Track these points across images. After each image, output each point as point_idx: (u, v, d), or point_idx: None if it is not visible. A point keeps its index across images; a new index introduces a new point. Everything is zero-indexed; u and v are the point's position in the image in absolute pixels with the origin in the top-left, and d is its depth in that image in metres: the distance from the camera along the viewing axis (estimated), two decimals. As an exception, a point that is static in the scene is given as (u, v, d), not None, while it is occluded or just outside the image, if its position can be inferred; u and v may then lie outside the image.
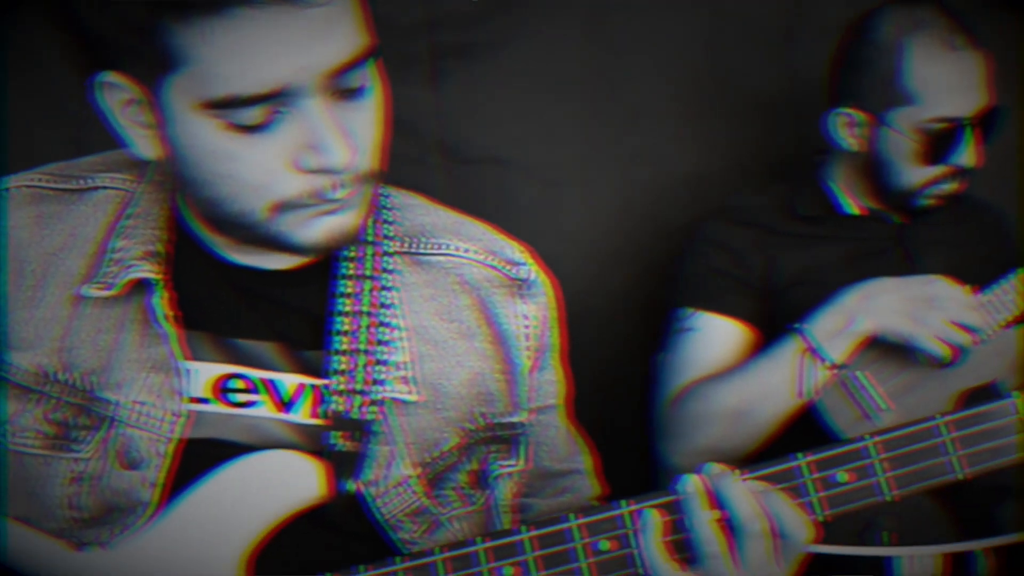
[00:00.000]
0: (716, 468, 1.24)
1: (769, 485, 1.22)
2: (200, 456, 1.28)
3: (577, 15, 2.45)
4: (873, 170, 2.15)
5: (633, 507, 1.23)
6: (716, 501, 1.22)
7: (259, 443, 1.29)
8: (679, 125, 2.49)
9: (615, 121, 2.47)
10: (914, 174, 2.10)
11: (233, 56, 1.12)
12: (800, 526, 1.20)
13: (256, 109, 1.15)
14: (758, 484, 1.22)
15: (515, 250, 1.46)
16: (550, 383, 1.47)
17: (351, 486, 1.29)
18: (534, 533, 1.23)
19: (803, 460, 1.20)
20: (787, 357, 1.95)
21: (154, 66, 1.15)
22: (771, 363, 1.97)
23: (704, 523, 1.21)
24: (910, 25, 2.06)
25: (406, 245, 1.40)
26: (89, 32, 1.18)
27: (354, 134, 1.21)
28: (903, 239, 2.18)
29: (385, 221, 1.40)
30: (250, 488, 1.28)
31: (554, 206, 2.46)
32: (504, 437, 1.42)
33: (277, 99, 1.15)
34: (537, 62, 2.44)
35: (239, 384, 1.30)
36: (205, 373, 1.30)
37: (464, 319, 1.39)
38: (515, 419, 1.42)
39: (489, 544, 1.23)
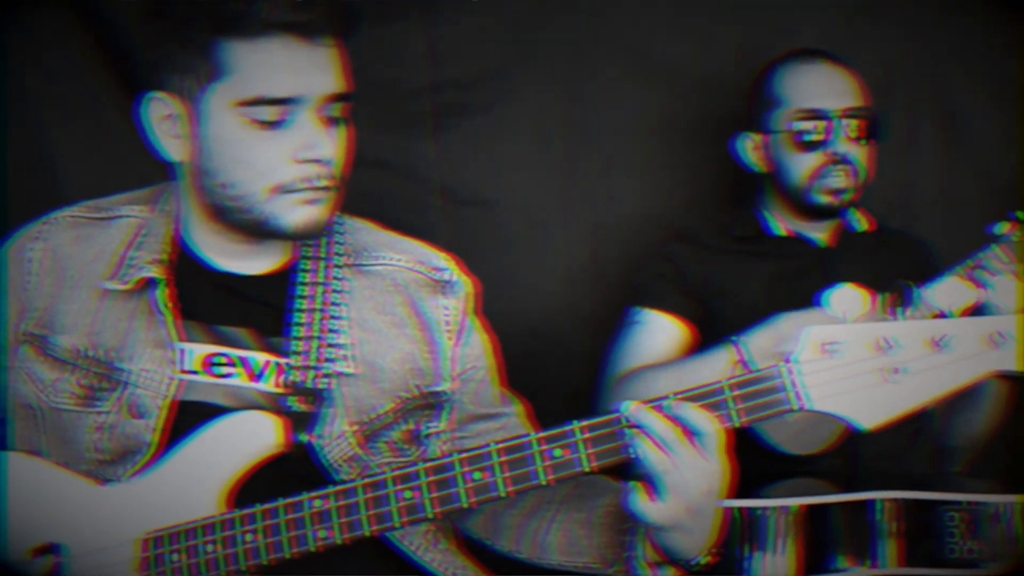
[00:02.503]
0: (632, 403, 1.56)
1: (680, 400, 1.54)
2: (192, 415, 1.71)
3: (559, 79, 2.87)
4: (777, 182, 2.52)
5: (583, 423, 1.57)
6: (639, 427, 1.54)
7: (236, 405, 1.72)
8: (646, 172, 2.90)
9: (591, 168, 2.89)
10: (798, 166, 2.45)
11: (265, 68, 1.64)
12: (705, 421, 1.52)
13: (274, 108, 1.64)
14: (669, 403, 1.54)
15: (441, 259, 1.89)
16: (468, 355, 1.87)
17: (304, 438, 1.71)
18: (501, 445, 1.59)
19: (725, 383, 1.54)
20: (720, 362, 2.27)
21: (203, 77, 1.65)
22: (705, 364, 2.29)
23: (640, 445, 1.53)
24: (786, 57, 2.50)
25: (352, 259, 1.83)
26: (141, 55, 1.67)
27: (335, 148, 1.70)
28: (825, 262, 2.50)
29: (337, 242, 1.84)
30: (229, 438, 1.70)
31: (537, 241, 2.87)
32: (433, 403, 1.83)
33: (289, 103, 1.65)
34: (524, 119, 2.87)
35: (222, 360, 1.74)
36: (197, 352, 1.75)
37: (396, 312, 1.82)
38: (441, 388, 1.83)
39: (463, 455, 1.60)
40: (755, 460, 2.32)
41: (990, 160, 2.92)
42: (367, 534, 1.59)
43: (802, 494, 2.09)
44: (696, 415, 1.52)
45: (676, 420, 1.52)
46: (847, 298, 1.50)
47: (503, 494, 1.57)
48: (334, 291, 1.78)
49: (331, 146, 1.67)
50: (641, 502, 1.53)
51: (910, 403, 1.48)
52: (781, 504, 1.91)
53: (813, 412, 1.50)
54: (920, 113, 2.91)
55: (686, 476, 1.51)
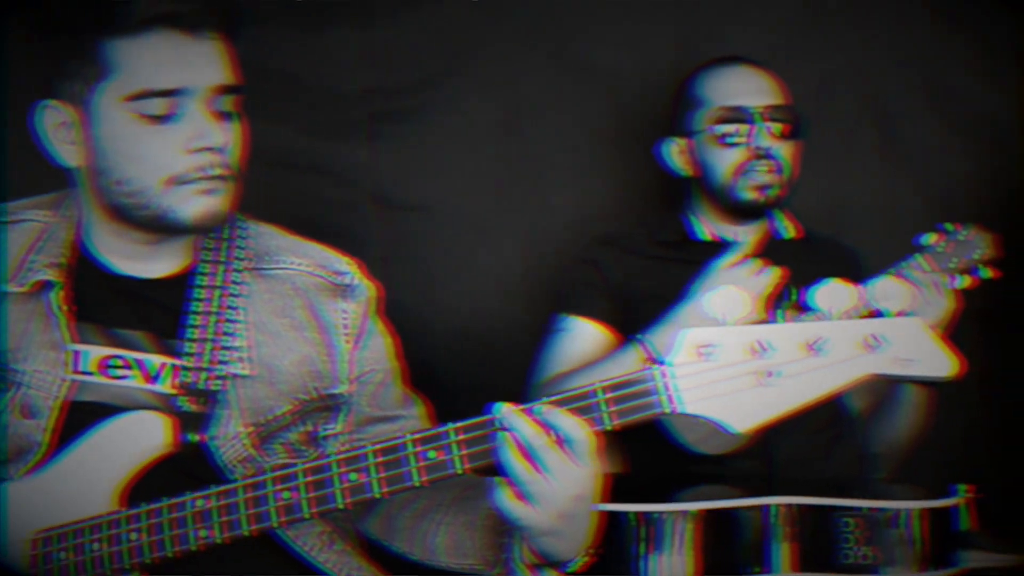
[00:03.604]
0: (504, 406, 1.55)
1: (553, 406, 1.52)
2: (86, 415, 1.71)
3: (493, 85, 2.89)
4: (703, 183, 2.52)
5: (458, 424, 1.56)
6: (509, 432, 1.53)
7: (129, 406, 1.72)
8: (580, 177, 2.91)
9: (524, 173, 2.90)
10: (721, 163, 2.46)
11: (149, 61, 1.65)
12: (574, 427, 1.51)
13: (162, 101, 1.65)
14: (540, 407, 1.53)
15: (343, 263, 1.89)
16: (366, 358, 1.87)
17: (194, 438, 1.71)
18: (378, 447, 1.59)
19: (598, 385, 1.52)
20: (629, 362, 2.27)
21: (91, 79, 1.65)
22: (616, 364, 2.27)
23: (506, 450, 1.52)
24: (708, 62, 2.51)
25: (253, 263, 1.83)
26: (40, 62, 1.68)
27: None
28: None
29: (238, 246, 1.84)
30: (119, 438, 1.70)
31: (470, 246, 2.88)
32: (330, 405, 1.83)
33: (177, 95, 1.66)
34: (458, 124, 2.89)
35: (118, 363, 1.74)
36: (93, 353, 1.74)
37: (296, 316, 1.82)
38: (338, 390, 1.83)
39: (340, 456, 1.60)
40: (670, 461, 2.34)
41: (926, 169, 2.93)
42: (246, 533, 1.59)
43: (707, 499, 2.08)
44: (566, 421, 1.51)
45: (545, 425, 1.51)
46: (726, 300, 1.50)
47: (378, 495, 1.57)
48: (231, 295, 1.79)
49: (222, 135, 1.68)
50: (507, 500, 1.52)
51: (782, 407, 1.48)
52: (680, 508, 1.90)
53: (685, 415, 1.49)
54: (856, 121, 2.93)
55: (553, 483, 1.50)
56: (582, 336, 2.46)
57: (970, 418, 2.89)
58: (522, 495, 1.52)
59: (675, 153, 2.57)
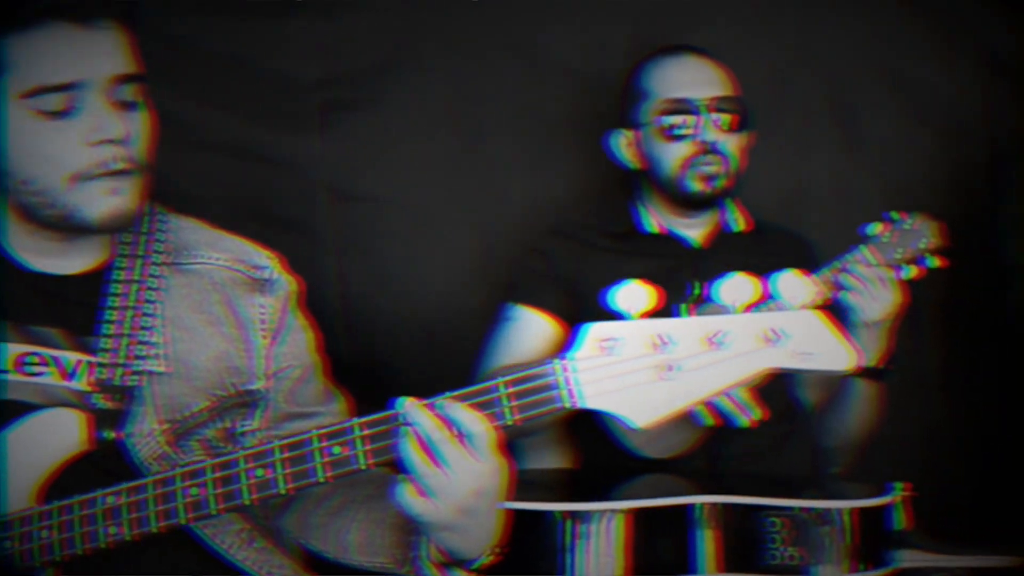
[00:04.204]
0: (407, 400, 1.53)
1: (454, 401, 1.52)
2: (7, 412, 1.69)
3: (448, 75, 2.87)
4: (651, 176, 2.50)
5: (363, 419, 1.55)
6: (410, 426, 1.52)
7: (46, 403, 1.71)
8: (535, 168, 2.90)
9: (480, 164, 2.89)
10: (668, 156, 2.44)
11: (42, 56, 1.62)
12: (474, 421, 1.50)
13: (58, 96, 1.62)
14: (441, 402, 1.52)
15: (262, 257, 1.87)
16: (284, 354, 1.85)
17: (110, 435, 1.71)
18: (284, 442, 1.57)
19: (500, 380, 1.51)
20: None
21: None
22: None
23: (405, 444, 1.51)
24: (655, 52, 2.50)
25: (171, 257, 1.82)
26: None
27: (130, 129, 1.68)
28: (697, 263, 2.49)
29: (157, 240, 1.83)
30: (35, 436, 1.68)
31: (424, 237, 2.87)
32: (248, 401, 1.82)
33: (73, 89, 1.62)
34: (413, 114, 2.87)
35: (34, 360, 1.73)
36: (9, 351, 1.73)
37: (213, 311, 1.80)
38: (255, 386, 1.82)
39: (248, 452, 1.59)
40: (615, 459, 2.33)
41: (886, 159, 2.90)
42: (155, 530, 1.58)
43: (650, 490, 2.07)
44: (465, 415, 1.50)
45: (446, 420, 1.50)
46: (632, 294, 1.49)
47: (283, 491, 1.56)
48: (149, 288, 1.78)
49: (123, 127, 1.65)
50: (407, 495, 1.51)
51: (682, 401, 1.46)
52: (603, 507, 1.88)
53: (585, 409, 1.48)
54: (815, 110, 2.90)
55: (452, 476, 1.49)
56: (529, 326, 2.45)
57: (931, 415, 2.86)
58: (421, 490, 1.50)
59: (623, 145, 2.55)
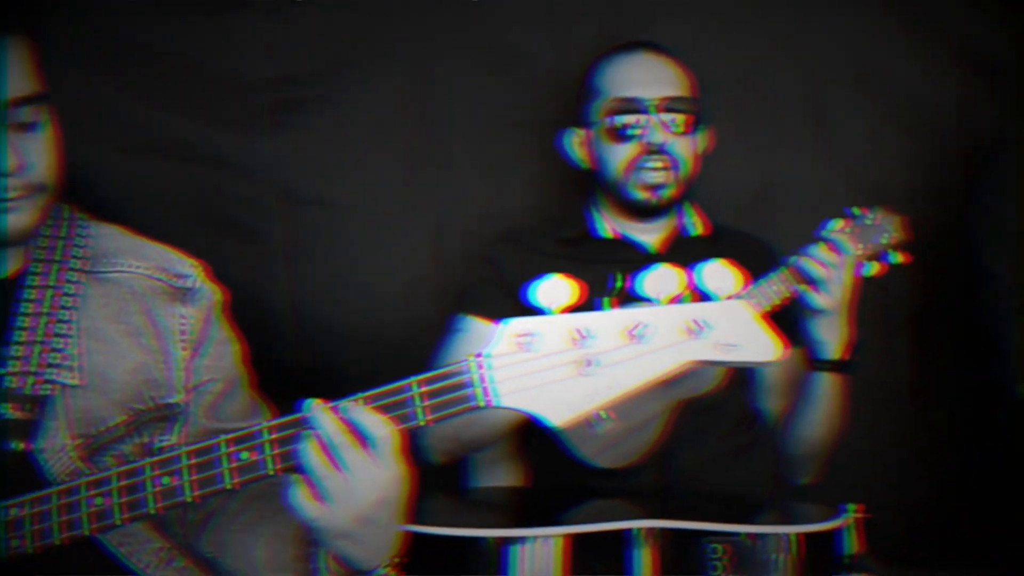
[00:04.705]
0: (313, 402, 1.47)
1: (359, 403, 1.46)
2: None
3: (403, 74, 2.80)
4: (599, 178, 2.42)
5: (272, 423, 1.49)
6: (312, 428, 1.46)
7: None
8: (493, 170, 2.81)
9: (435, 167, 2.81)
10: (614, 158, 2.36)
11: None
12: (377, 425, 1.44)
13: None
14: (346, 404, 1.46)
15: (186, 266, 1.80)
16: (205, 367, 1.78)
17: (18, 446, 1.64)
18: (191, 448, 1.51)
19: (414, 379, 1.45)
20: None
21: None
22: None
23: (306, 447, 1.45)
24: (612, 49, 2.42)
25: (89, 264, 1.75)
26: None
27: (27, 154, 1.60)
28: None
29: (76, 245, 1.76)
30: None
31: (378, 242, 2.78)
32: (167, 415, 1.75)
33: None
34: (367, 115, 2.79)
35: None
36: None
37: (132, 321, 1.73)
38: (174, 400, 1.75)
39: (154, 459, 1.52)
40: (567, 475, 2.25)
41: (857, 156, 2.83)
42: (57, 542, 1.52)
43: (596, 516, 1.99)
44: (368, 418, 1.43)
45: (349, 423, 1.44)
46: (551, 288, 1.42)
47: (189, 499, 1.49)
48: (65, 295, 1.71)
49: (16, 158, 1.58)
50: (301, 497, 1.45)
51: (601, 397, 1.39)
52: (545, 533, 1.80)
53: (501, 408, 1.41)
54: (786, 107, 2.83)
55: (351, 481, 1.43)
56: (478, 337, 2.36)
57: (903, 423, 2.80)
58: (317, 493, 1.44)
59: (576, 145, 2.48)
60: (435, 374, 1.44)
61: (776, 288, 2.23)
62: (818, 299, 2.17)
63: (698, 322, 1.38)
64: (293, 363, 2.75)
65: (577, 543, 1.80)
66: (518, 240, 2.44)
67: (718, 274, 1.39)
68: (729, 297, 1.40)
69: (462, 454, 2.39)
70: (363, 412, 1.44)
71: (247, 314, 2.73)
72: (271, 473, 1.47)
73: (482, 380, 1.42)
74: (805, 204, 2.79)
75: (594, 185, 2.46)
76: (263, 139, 2.75)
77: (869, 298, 2.30)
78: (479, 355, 1.42)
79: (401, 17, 2.79)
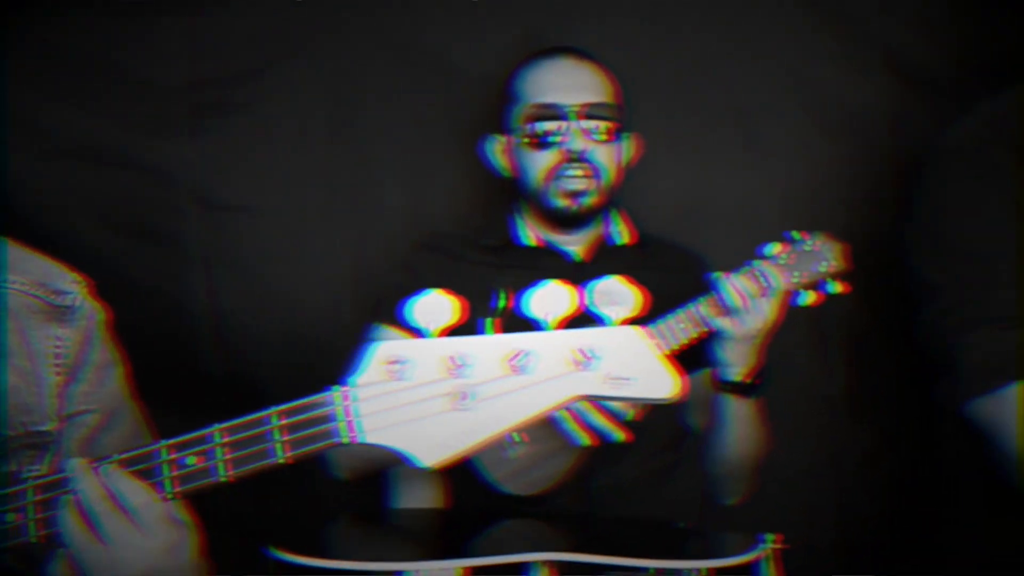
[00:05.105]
0: (77, 462, 1.33)
1: (119, 467, 1.32)
2: None
3: (324, 79, 2.66)
4: (520, 185, 2.30)
5: (37, 480, 1.34)
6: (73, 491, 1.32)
7: None
8: (417, 177, 2.68)
9: (357, 173, 2.67)
10: (534, 165, 2.24)
11: None
12: (135, 493, 1.30)
13: None
14: (108, 467, 1.32)
15: (67, 281, 1.65)
16: (82, 394, 1.64)
17: None
18: (38, 482, 1.35)
19: (163, 444, 1.33)
20: None
21: None
22: None
23: (64, 512, 1.31)
24: (534, 54, 2.30)
25: None
26: None
27: None
28: (578, 277, 2.27)
29: None
30: None
31: (298, 249, 2.65)
32: (37, 444, 1.60)
33: None
34: (287, 120, 2.66)
35: None
36: None
37: (5, 340, 1.58)
38: (45, 428, 1.60)
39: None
40: (486, 497, 2.11)
41: (789, 168, 2.71)
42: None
43: (504, 541, 1.86)
44: (126, 484, 1.29)
45: (108, 489, 1.29)
46: (430, 305, 1.27)
47: (33, 539, 1.34)
48: None
49: None
50: (60, 573, 1.31)
51: (477, 435, 1.25)
52: (440, 567, 1.66)
53: (366, 445, 1.26)
54: (716, 117, 2.70)
55: (114, 554, 1.28)
56: None
57: (839, 442, 2.67)
58: (78, 569, 1.30)
59: (497, 152, 2.35)
60: (296, 405, 1.30)
61: (684, 327, 2.10)
62: (730, 327, 2.04)
63: (585, 351, 1.23)
64: (213, 372, 2.63)
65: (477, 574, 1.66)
66: (436, 247, 2.31)
67: (612, 294, 1.24)
68: (625, 321, 1.24)
69: (370, 471, 2.24)
70: (120, 477, 1.30)
71: (165, 323, 2.64)
72: (33, 541, 1.32)
73: (347, 413, 1.27)
74: (735, 215, 2.67)
75: (516, 193, 2.32)
76: (181, 144, 2.62)
77: (804, 313, 2.17)
78: (344, 384, 1.27)
79: (323, 21, 2.65)
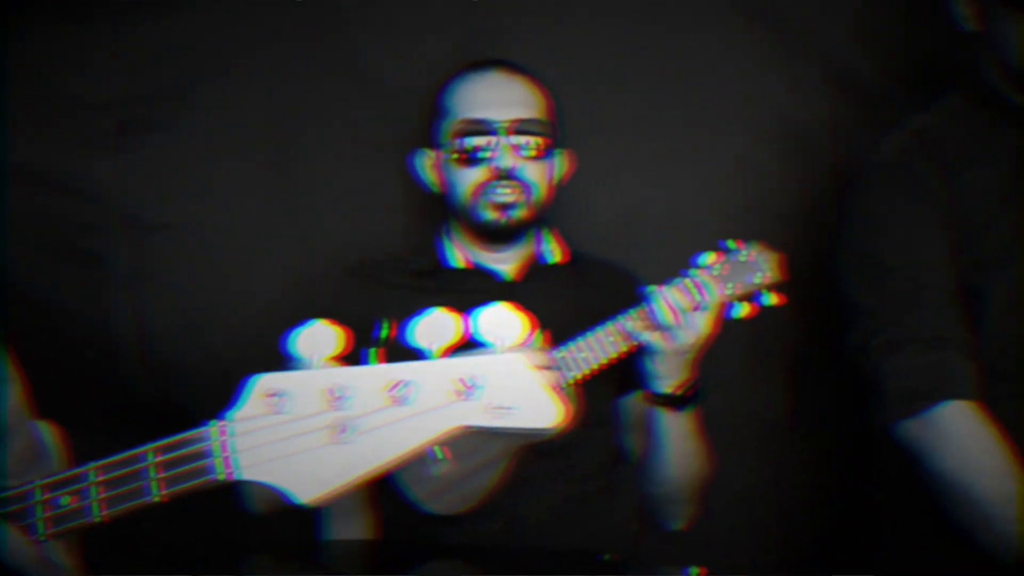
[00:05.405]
0: None
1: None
2: None
3: (257, 94, 2.61)
4: (448, 202, 2.25)
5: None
6: None
7: None
8: (355, 195, 2.62)
9: (294, 192, 2.62)
10: (462, 182, 2.19)
11: None
12: (9, 541, 1.25)
13: None
14: None
15: None
16: None
17: None
18: None
19: (37, 484, 1.28)
20: None
21: None
22: None
23: None
24: (462, 69, 2.26)
25: None
26: None
27: None
28: (509, 297, 2.22)
29: None
30: None
31: (231, 271, 2.59)
32: None
33: None
34: (219, 137, 2.60)
35: None
36: None
37: None
38: None
39: None
40: (415, 527, 2.07)
41: (728, 179, 2.66)
42: None
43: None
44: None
45: None
46: (313, 336, 1.22)
47: None
48: None
49: None
50: None
51: (356, 470, 1.20)
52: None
53: (244, 481, 1.21)
54: (652, 131, 2.66)
55: None
56: None
57: (781, 461, 2.63)
58: None
59: (427, 167, 2.30)
60: (173, 441, 1.25)
61: (613, 340, 2.06)
62: (661, 342, 2.00)
63: (466, 381, 1.19)
64: (140, 395, 2.57)
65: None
66: (365, 272, 2.26)
67: (498, 321, 1.20)
68: (511, 349, 1.20)
69: (282, 503, 2.18)
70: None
71: (91, 344, 2.58)
72: None
73: (223, 449, 1.23)
74: (671, 229, 2.62)
75: (446, 211, 2.27)
76: (107, 161, 2.57)
77: (743, 329, 2.13)
78: (222, 418, 1.22)
79: (255, 34, 2.61)
